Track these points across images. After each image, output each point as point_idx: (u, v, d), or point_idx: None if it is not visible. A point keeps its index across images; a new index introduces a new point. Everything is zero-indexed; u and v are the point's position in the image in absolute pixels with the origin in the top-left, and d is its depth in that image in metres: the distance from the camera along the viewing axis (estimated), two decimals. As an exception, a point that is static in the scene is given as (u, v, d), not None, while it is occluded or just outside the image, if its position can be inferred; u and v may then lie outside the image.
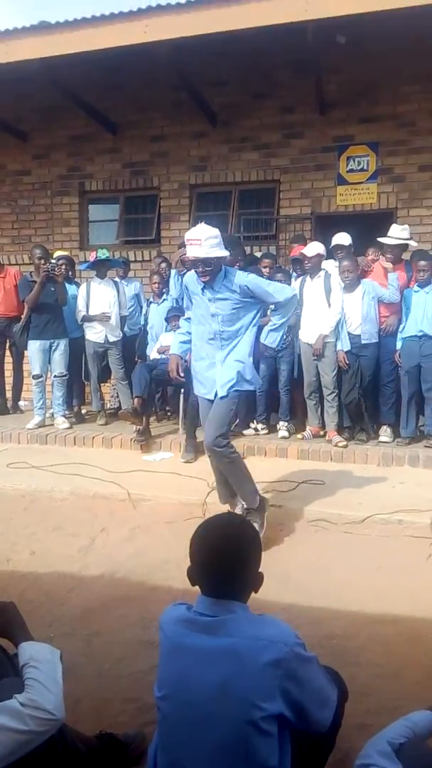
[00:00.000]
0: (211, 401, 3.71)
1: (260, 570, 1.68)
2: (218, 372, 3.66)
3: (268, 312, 5.75)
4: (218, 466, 3.76)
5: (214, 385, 3.68)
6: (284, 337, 5.74)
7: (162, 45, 5.79)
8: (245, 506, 3.74)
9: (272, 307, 3.85)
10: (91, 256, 6.56)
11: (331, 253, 5.89)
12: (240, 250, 5.69)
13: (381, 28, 5.67)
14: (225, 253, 3.54)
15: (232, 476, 3.75)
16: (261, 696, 1.47)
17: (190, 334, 3.83)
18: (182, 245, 6.13)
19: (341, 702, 1.74)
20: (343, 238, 5.89)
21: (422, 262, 5.28)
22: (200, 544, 1.65)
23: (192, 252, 3.44)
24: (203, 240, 3.38)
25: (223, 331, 3.61)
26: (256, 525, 3.49)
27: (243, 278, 3.60)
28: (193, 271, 3.63)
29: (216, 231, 3.49)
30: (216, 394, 3.67)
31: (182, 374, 3.86)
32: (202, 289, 3.60)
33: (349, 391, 5.46)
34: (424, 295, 5.27)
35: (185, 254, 3.77)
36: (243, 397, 5.82)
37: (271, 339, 3.91)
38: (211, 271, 3.47)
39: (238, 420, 5.99)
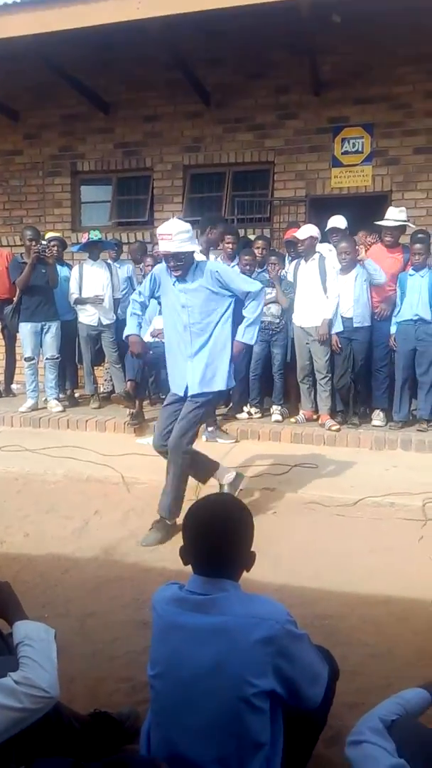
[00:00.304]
0: (180, 397, 3.70)
1: (252, 550, 1.69)
2: (189, 367, 3.65)
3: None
4: (169, 466, 3.70)
5: (184, 380, 3.67)
6: (279, 320, 5.75)
7: (155, 22, 5.69)
8: (160, 514, 3.71)
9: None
10: (84, 238, 6.50)
11: (326, 236, 5.86)
12: (225, 227, 5.60)
13: (376, 8, 5.60)
14: (196, 247, 3.60)
15: (174, 480, 3.69)
16: (253, 673, 1.49)
17: (141, 310, 3.87)
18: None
19: (332, 680, 1.76)
20: (339, 221, 5.86)
21: (417, 246, 5.27)
22: (192, 523, 1.66)
23: (163, 246, 3.46)
24: (174, 235, 3.40)
25: (192, 323, 3.60)
26: (156, 534, 3.59)
27: (213, 266, 3.67)
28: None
29: (187, 226, 3.51)
30: (186, 391, 3.66)
31: (145, 351, 3.85)
32: (174, 282, 3.60)
33: (341, 376, 5.47)
34: (419, 279, 5.26)
35: (157, 250, 3.78)
36: (237, 381, 5.89)
37: (248, 336, 3.71)
38: (182, 266, 3.50)
39: (231, 404, 6.01)
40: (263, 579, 2.99)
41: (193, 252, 3.55)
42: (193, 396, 3.64)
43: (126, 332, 3.90)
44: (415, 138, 6.69)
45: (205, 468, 3.91)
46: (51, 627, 1.74)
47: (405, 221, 5.58)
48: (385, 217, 5.56)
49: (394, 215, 5.54)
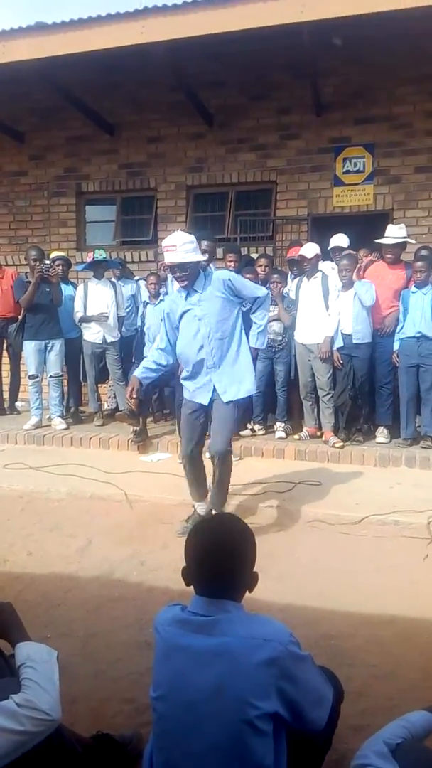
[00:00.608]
0: (201, 405, 3.75)
1: (255, 570, 1.68)
2: (215, 378, 3.68)
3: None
4: (218, 469, 3.76)
5: (209, 392, 3.71)
6: (281, 338, 5.77)
7: (159, 46, 5.80)
8: (213, 510, 3.82)
9: (252, 309, 3.90)
10: (89, 257, 6.56)
11: (328, 254, 5.90)
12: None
13: (377, 30, 5.69)
14: (201, 257, 3.66)
15: (225, 480, 3.83)
16: (256, 695, 1.47)
17: (157, 365, 3.81)
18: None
19: (337, 702, 1.74)
20: (341, 240, 5.91)
21: (419, 263, 5.29)
22: (195, 543, 1.65)
23: (168, 258, 3.54)
24: (179, 246, 3.49)
25: (211, 333, 3.62)
26: None
27: (224, 274, 3.76)
28: (169, 291, 3.73)
29: (191, 237, 3.61)
30: (211, 401, 3.71)
31: (135, 396, 3.83)
32: (186, 297, 3.66)
33: (340, 393, 5.46)
34: (422, 296, 5.28)
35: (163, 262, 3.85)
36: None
37: (261, 341, 3.98)
38: (188, 276, 3.57)
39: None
40: (267, 598, 2.97)
41: (198, 262, 3.62)
42: (229, 402, 3.70)
43: (134, 373, 3.93)
44: (416, 157, 6.76)
45: (201, 489, 3.97)
46: (53, 648, 1.73)
47: (405, 238, 5.62)
48: (385, 234, 5.60)
49: (394, 233, 5.58)
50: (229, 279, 3.68)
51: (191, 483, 3.95)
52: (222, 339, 3.66)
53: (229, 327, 3.69)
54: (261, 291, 3.85)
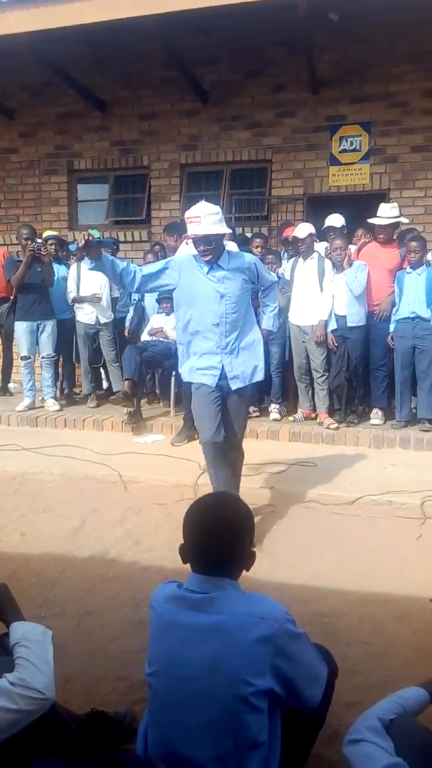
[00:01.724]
0: (212, 387, 3.48)
1: (252, 549, 1.67)
2: (226, 361, 3.46)
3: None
4: (235, 461, 3.68)
5: (217, 372, 3.47)
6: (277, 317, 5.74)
7: (151, 19, 5.67)
8: None
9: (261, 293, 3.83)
10: (82, 237, 6.45)
11: (324, 234, 5.85)
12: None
13: (374, 6, 5.59)
14: (226, 230, 3.45)
15: (238, 469, 3.74)
16: (251, 672, 1.48)
17: (130, 271, 3.43)
18: (168, 228, 6.07)
19: (331, 679, 1.75)
20: (335, 220, 5.85)
21: (413, 243, 5.25)
22: (192, 521, 1.65)
23: (192, 230, 3.32)
24: (203, 217, 3.28)
25: (228, 314, 3.41)
26: None
27: (251, 257, 3.65)
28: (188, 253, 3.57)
29: (216, 208, 3.38)
30: (227, 384, 3.48)
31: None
32: (208, 271, 3.41)
33: (335, 375, 5.44)
34: (416, 277, 5.25)
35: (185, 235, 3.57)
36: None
37: (275, 323, 3.99)
38: (213, 249, 3.35)
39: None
40: (262, 577, 2.99)
41: (223, 235, 3.42)
42: (238, 390, 3.52)
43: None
44: (412, 136, 6.68)
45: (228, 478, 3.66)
46: (48, 627, 1.73)
47: (397, 217, 5.57)
48: (378, 214, 5.55)
49: (386, 212, 5.53)
50: (255, 263, 3.57)
51: (220, 477, 3.51)
52: (236, 322, 3.47)
53: (244, 309, 3.52)
54: (274, 276, 3.85)
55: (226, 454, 3.55)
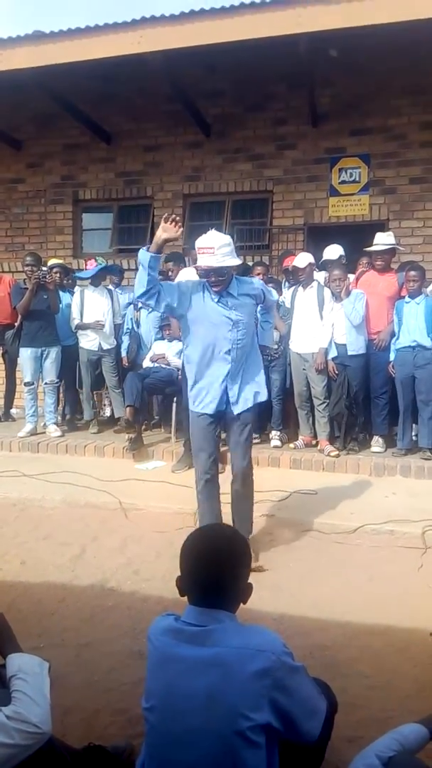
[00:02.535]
0: (211, 416, 3.50)
1: (249, 582, 1.67)
2: (231, 386, 3.45)
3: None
4: (243, 492, 3.63)
5: (220, 399, 3.47)
6: (277, 346, 5.77)
7: (156, 56, 5.84)
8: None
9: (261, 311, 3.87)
10: (90, 264, 6.55)
11: (325, 265, 5.92)
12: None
13: (372, 42, 5.75)
14: (238, 261, 3.42)
15: (249, 502, 3.69)
16: (248, 706, 1.46)
17: (157, 282, 3.29)
18: (172, 258, 6.12)
19: (331, 714, 1.73)
20: (331, 253, 5.94)
21: (412, 273, 5.32)
22: (189, 553, 1.65)
23: (204, 261, 3.26)
24: (216, 248, 3.22)
25: (239, 339, 3.39)
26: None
27: (257, 282, 3.72)
28: (192, 280, 3.53)
29: (228, 238, 3.35)
30: (223, 410, 3.50)
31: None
32: (219, 299, 3.37)
33: (335, 403, 5.46)
34: (416, 306, 5.30)
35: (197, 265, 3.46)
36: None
37: (273, 339, 4.10)
38: (224, 281, 3.33)
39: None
40: (262, 608, 2.97)
41: (234, 267, 3.40)
42: (240, 414, 3.51)
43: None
44: (410, 168, 6.81)
45: (215, 512, 3.68)
46: (46, 658, 1.72)
47: (394, 245, 5.66)
48: (374, 242, 5.63)
49: (383, 240, 5.62)
50: (261, 287, 3.60)
51: (206, 507, 3.58)
52: (246, 346, 3.48)
53: (251, 334, 3.54)
54: (275, 295, 4.01)
55: (216, 485, 3.61)
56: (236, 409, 3.50)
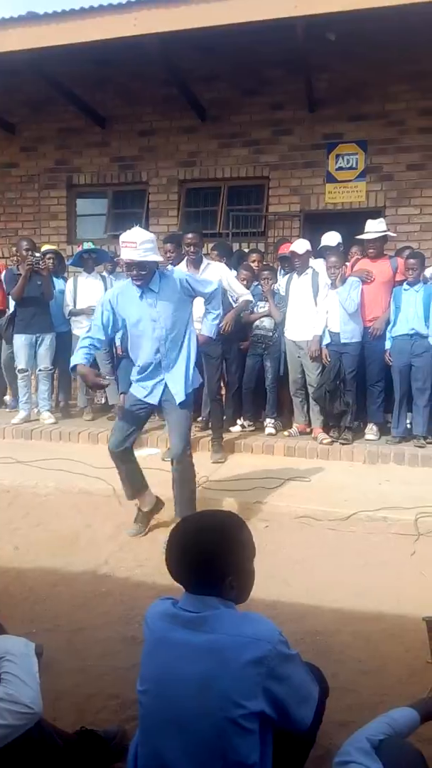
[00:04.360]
0: (147, 403, 3.73)
1: (252, 569, 1.65)
2: (168, 378, 3.66)
3: (256, 309, 5.78)
4: (181, 476, 3.76)
5: (159, 390, 3.68)
6: (272, 334, 5.75)
7: (151, 38, 5.77)
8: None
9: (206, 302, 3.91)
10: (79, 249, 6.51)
11: (321, 252, 5.89)
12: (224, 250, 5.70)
13: (370, 26, 5.70)
14: (159, 258, 3.59)
15: (188, 485, 3.78)
16: (242, 694, 1.46)
17: (98, 342, 3.65)
18: (166, 241, 6.08)
19: (322, 699, 1.73)
20: (329, 239, 5.90)
21: (411, 260, 5.29)
22: (174, 544, 1.63)
23: (127, 255, 3.43)
24: (138, 244, 3.38)
25: (166, 336, 3.59)
26: None
27: (181, 274, 3.73)
28: (122, 282, 3.67)
29: (152, 236, 3.53)
30: (163, 398, 3.69)
31: (105, 379, 3.85)
32: (140, 296, 3.56)
33: (318, 387, 5.43)
34: (414, 293, 5.28)
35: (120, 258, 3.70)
36: (230, 394, 5.88)
37: (214, 331, 4.05)
38: (145, 275, 3.49)
39: (225, 416, 5.98)
40: (255, 594, 2.94)
41: (156, 262, 3.55)
42: (178, 404, 3.68)
43: (73, 361, 3.63)
44: (408, 155, 6.77)
45: (137, 485, 3.90)
46: (39, 642, 1.72)
47: (385, 231, 5.62)
48: (366, 230, 5.60)
49: (374, 227, 5.59)
50: (186, 279, 3.66)
51: (127, 479, 3.86)
52: (176, 340, 3.64)
53: (183, 326, 3.67)
54: (213, 286, 3.85)
55: (126, 460, 3.80)
56: (178, 398, 3.66)
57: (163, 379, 3.67)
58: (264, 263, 6.24)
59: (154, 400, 3.72)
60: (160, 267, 3.69)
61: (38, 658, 1.67)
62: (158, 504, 3.98)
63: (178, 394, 3.66)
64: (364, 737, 1.46)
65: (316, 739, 1.80)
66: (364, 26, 5.69)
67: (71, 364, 3.69)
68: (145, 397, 3.72)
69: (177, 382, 3.67)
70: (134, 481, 3.88)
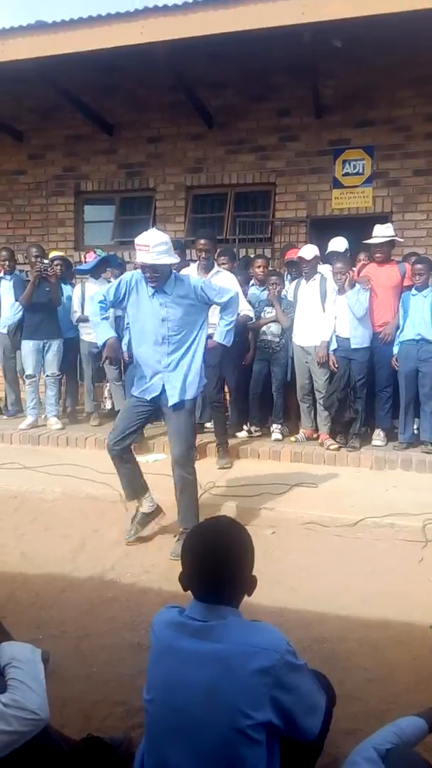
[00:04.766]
0: (148, 402, 3.72)
1: (253, 574, 1.65)
2: (166, 378, 3.66)
3: (263, 314, 5.77)
4: (181, 481, 3.75)
5: (157, 390, 3.68)
6: (279, 339, 5.75)
7: (159, 46, 5.79)
8: (181, 528, 3.72)
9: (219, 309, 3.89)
10: (89, 256, 6.53)
11: (328, 258, 5.89)
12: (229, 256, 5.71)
13: (377, 33, 5.70)
14: (174, 260, 3.59)
15: (190, 491, 3.78)
16: (249, 704, 1.45)
17: (104, 308, 3.71)
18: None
19: (329, 707, 1.72)
20: (337, 245, 5.89)
21: (419, 266, 5.28)
22: (191, 548, 1.63)
23: (141, 257, 3.47)
24: (152, 246, 3.42)
25: (171, 336, 3.61)
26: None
27: (197, 281, 3.74)
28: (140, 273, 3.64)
29: (166, 237, 3.55)
30: (159, 399, 3.69)
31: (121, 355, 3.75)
32: (152, 295, 3.59)
33: (330, 395, 5.42)
34: (422, 299, 5.27)
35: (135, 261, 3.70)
36: (238, 399, 5.87)
37: (228, 338, 3.96)
38: (159, 278, 3.52)
39: (229, 422, 5.98)
40: (261, 601, 2.93)
41: (170, 265, 3.57)
42: (175, 405, 3.67)
43: (102, 337, 3.68)
44: (415, 160, 6.77)
45: (136, 486, 3.90)
46: (45, 649, 1.72)
47: (392, 236, 5.62)
48: (373, 235, 5.60)
49: (381, 232, 5.59)
50: (201, 287, 3.66)
51: (126, 481, 3.86)
52: (181, 342, 3.65)
53: (191, 331, 3.68)
54: (229, 295, 3.79)
55: (125, 460, 3.79)
56: (171, 400, 3.65)
57: (162, 379, 3.67)
58: (270, 269, 6.24)
59: (149, 395, 3.70)
60: (174, 268, 3.70)
61: (45, 664, 1.67)
62: (157, 510, 3.96)
63: (173, 396, 3.66)
64: (371, 746, 1.45)
65: (323, 748, 1.79)
66: (370, 32, 5.69)
67: (100, 340, 3.70)
68: (142, 392, 3.72)
69: (174, 383, 3.66)
70: (134, 483, 3.89)
